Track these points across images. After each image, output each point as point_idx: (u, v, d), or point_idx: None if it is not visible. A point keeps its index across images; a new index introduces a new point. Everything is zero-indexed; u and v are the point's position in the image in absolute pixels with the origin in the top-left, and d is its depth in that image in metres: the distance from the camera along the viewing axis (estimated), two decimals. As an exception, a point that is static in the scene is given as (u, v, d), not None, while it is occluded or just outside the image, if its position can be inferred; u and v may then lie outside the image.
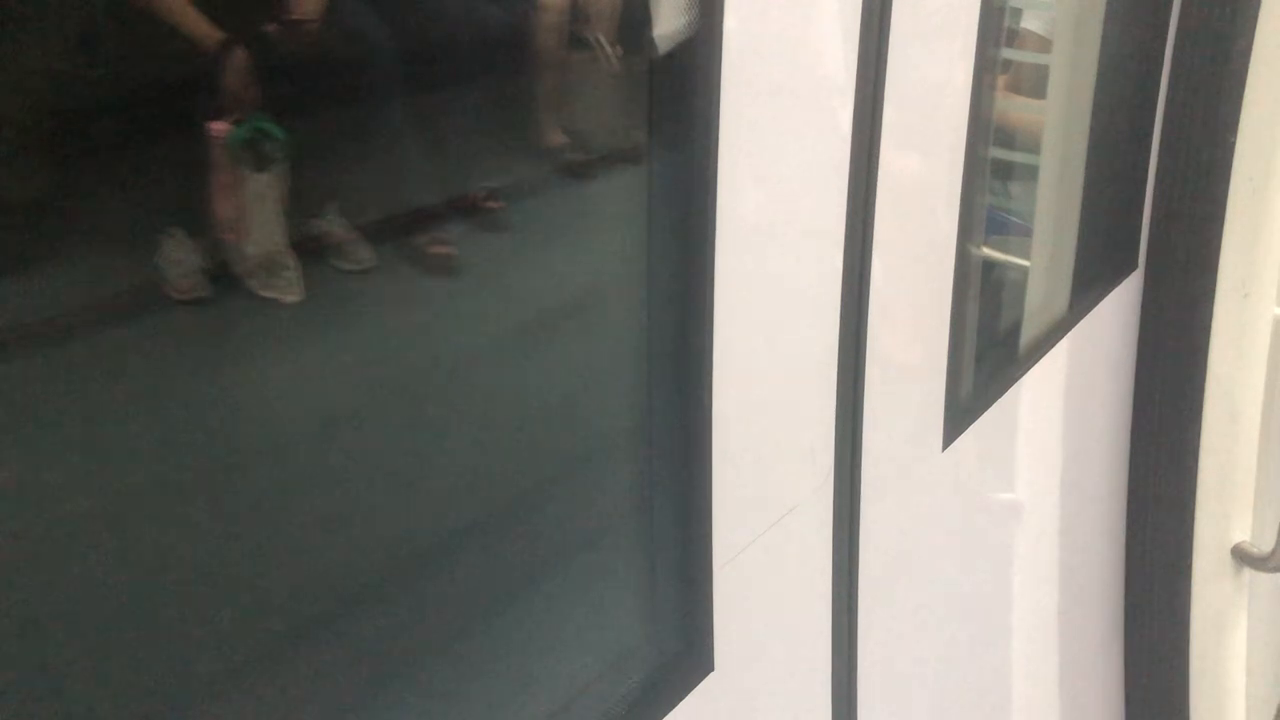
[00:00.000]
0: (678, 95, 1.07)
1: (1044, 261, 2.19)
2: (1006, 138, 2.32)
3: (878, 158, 1.29)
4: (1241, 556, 2.36)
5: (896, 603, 1.58)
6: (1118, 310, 2.24)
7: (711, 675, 1.20)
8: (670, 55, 1.06)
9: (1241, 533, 2.36)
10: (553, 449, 1.18)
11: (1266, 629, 2.79)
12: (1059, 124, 2.19)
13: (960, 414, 1.64)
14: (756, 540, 1.25)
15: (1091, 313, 2.12)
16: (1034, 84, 2.43)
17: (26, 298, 0.78)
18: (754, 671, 1.30)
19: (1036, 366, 1.92)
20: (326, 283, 0.98)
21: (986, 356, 1.85)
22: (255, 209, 0.91)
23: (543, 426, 1.17)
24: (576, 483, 1.21)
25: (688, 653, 1.20)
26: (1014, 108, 2.43)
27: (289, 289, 0.93)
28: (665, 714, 1.16)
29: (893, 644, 1.58)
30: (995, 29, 1.53)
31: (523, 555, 1.13)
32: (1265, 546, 2.33)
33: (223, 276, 0.91)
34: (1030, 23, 2.52)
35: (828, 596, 1.40)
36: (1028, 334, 2.04)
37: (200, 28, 0.90)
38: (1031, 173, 2.23)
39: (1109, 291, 2.18)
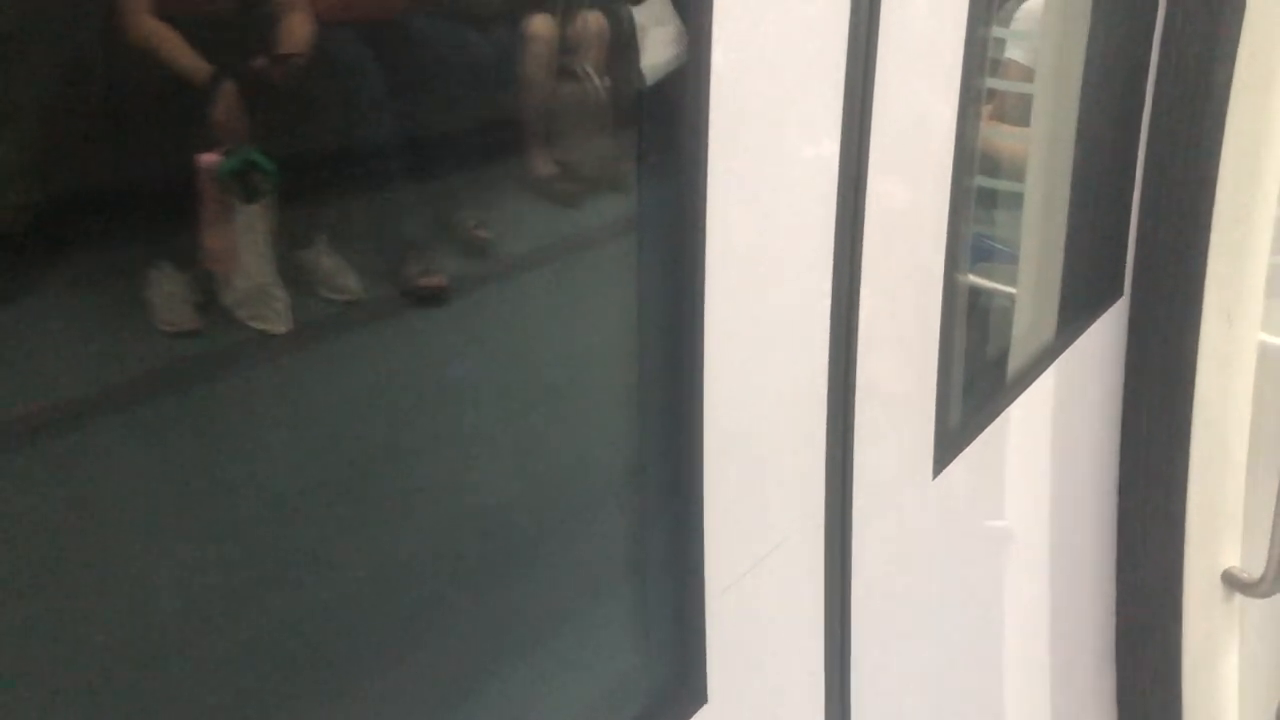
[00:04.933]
0: (666, 126, 1.08)
1: (1030, 289, 2.20)
2: (992, 166, 2.34)
3: (865, 187, 1.30)
4: (1232, 582, 2.36)
5: (889, 631, 1.57)
6: (1104, 337, 2.25)
7: (705, 707, 1.20)
8: (659, 86, 1.07)
9: (1231, 558, 2.36)
10: (544, 483, 1.18)
11: (1258, 655, 2.78)
12: (1043, 152, 2.21)
13: (950, 442, 1.64)
14: (749, 571, 1.25)
15: (1078, 340, 2.13)
16: (1018, 112, 2.45)
17: (12, 327, 0.78)
18: (748, 702, 1.29)
19: (1025, 394, 1.93)
20: (315, 313, 0.97)
21: (975, 384, 1.85)
22: (244, 240, 0.91)
23: (534, 460, 1.17)
24: (568, 517, 1.21)
25: (681, 685, 1.19)
26: (999, 136, 2.45)
27: (278, 320, 0.93)
28: (659, 746, 1.15)
29: (886, 672, 1.57)
30: (979, 59, 1.55)
31: (516, 589, 1.12)
32: (1255, 572, 2.33)
33: (211, 308, 0.90)
34: (1014, 52, 2.54)
35: (820, 626, 1.40)
36: (1015, 361, 2.04)
37: (189, 60, 0.90)
38: (1017, 201, 2.25)
39: (1095, 318, 2.19)
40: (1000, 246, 2.34)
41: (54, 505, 0.80)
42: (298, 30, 0.97)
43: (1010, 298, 2.18)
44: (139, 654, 0.84)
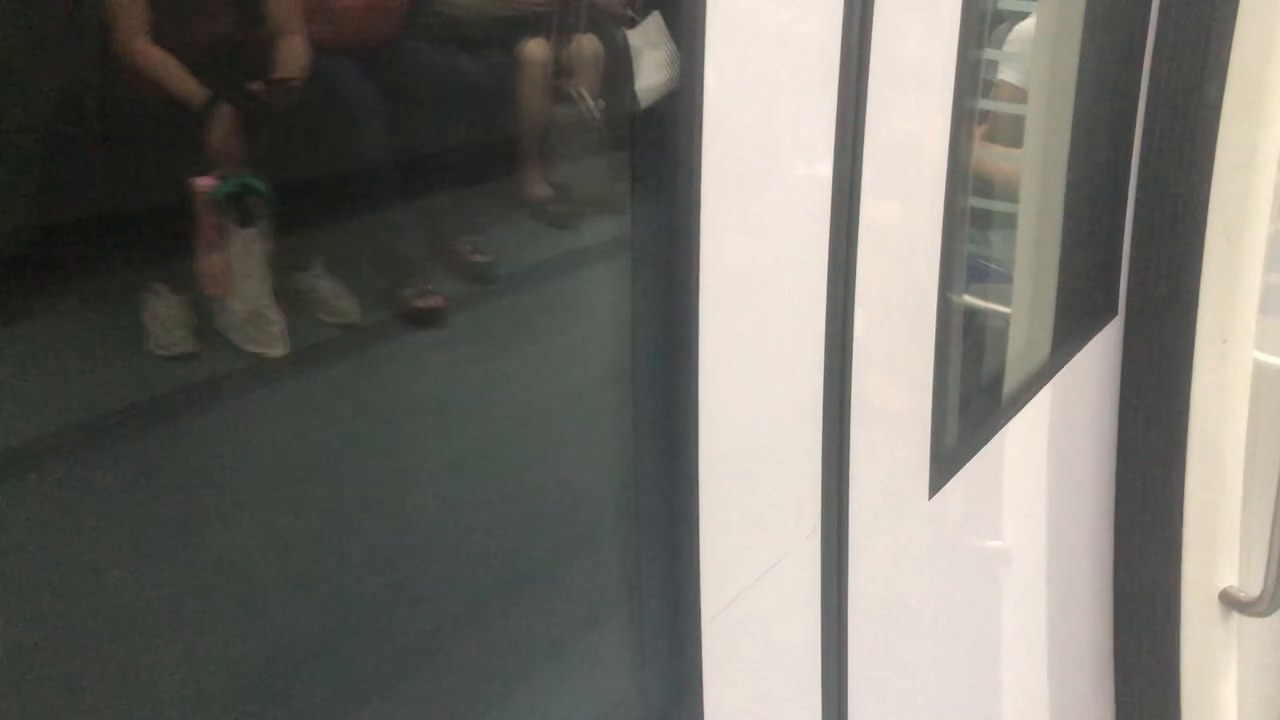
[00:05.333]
0: (660, 148, 1.08)
1: (1025, 309, 2.21)
2: (986, 187, 2.35)
3: (858, 207, 1.30)
4: (1229, 601, 2.35)
5: (886, 650, 1.56)
6: (1099, 356, 2.25)
7: (702, 729, 1.19)
8: (652, 109, 1.07)
9: (1229, 577, 2.36)
10: (539, 507, 1.18)
11: (1256, 674, 2.78)
12: (1037, 173, 2.22)
13: (946, 462, 1.64)
14: (745, 593, 1.24)
15: (1073, 359, 2.13)
16: (1011, 134, 2.46)
17: (7, 349, 0.78)
18: (744, 725, 1.29)
19: (1020, 413, 1.93)
20: (312, 336, 0.98)
21: (970, 404, 1.85)
22: (240, 264, 0.92)
23: (529, 482, 1.17)
24: (563, 540, 1.20)
25: (678, 708, 1.19)
26: (992, 157, 2.46)
27: (274, 343, 0.93)
28: (656, 769, 1.14)
29: (883, 691, 1.57)
30: (972, 80, 1.55)
31: (511, 615, 1.12)
32: (1253, 591, 2.33)
33: (207, 331, 0.91)
34: (1007, 74, 2.55)
35: (817, 646, 1.39)
36: (1011, 381, 2.05)
37: (185, 85, 0.91)
38: (1011, 221, 2.25)
39: (1090, 338, 2.20)
40: (995, 267, 2.34)
41: (48, 527, 0.80)
42: (294, 55, 0.98)
43: (1005, 318, 2.18)
44: (136, 667, 0.84)
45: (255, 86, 0.96)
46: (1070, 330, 2.18)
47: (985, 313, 2.18)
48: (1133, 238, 2.24)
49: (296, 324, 0.95)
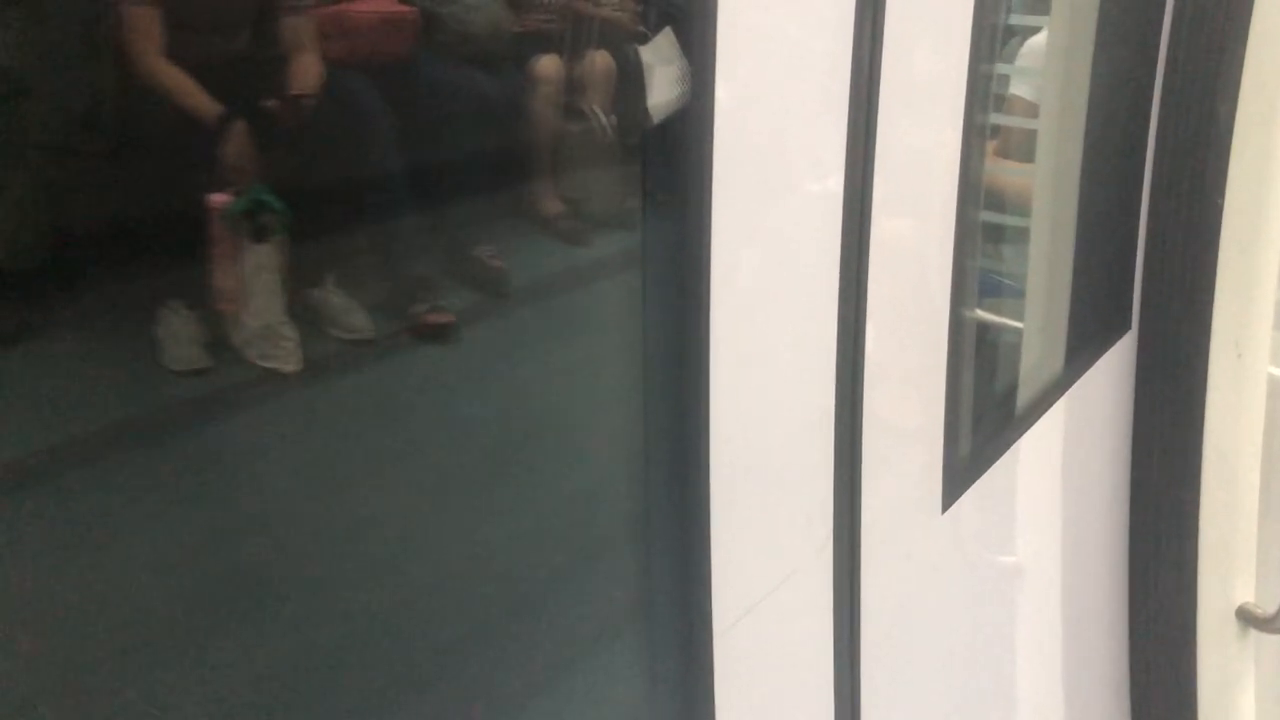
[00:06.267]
0: (671, 163, 1.08)
1: (1038, 323, 2.20)
2: (998, 202, 2.34)
3: (869, 222, 1.31)
4: (1246, 618, 2.34)
5: (899, 665, 1.56)
6: (1113, 371, 2.24)
7: (714, 744, 1.19)
8: (664, 124, 1.08)
9: (1246, 594, 2.34)
10: (551, 519, 1.18)
11: (1274, 690, 2.76)
12: (1049, 187, 2.21)
13: (959, 476, 1.63)
14: (757, 607, 1.24)
15: (1087, 374, 2.12)
16: (1024, 148, 2.46)
17: (22, 364, 0.78)
18: (757, 740, 1.28)
19: (1034, 428, 1.92)
20: (325, 352, 0.98)
21: (984, 419, 1.85)
22: (254, 280, 0.92)
23: (540, 496, 1.17)
24: (574, 555, 1.21)
25: (689, 721, 1.19)
26: (1005, 172, 2.46)
27: (288, 359, 0.94)
28: (668, 784, 1.14)
29: (896, 707, 1.56)
30: (983, 94, 1.56)
31: (524, 627, 1.12)
32: (1270, 607, 2.31)
33: (221, 347, 0.91)
34: (1019, 88, 2.55)
35: (829, 660, 1.39)
36: (1024, 396, 2.04)
37: (199, 101, 0.91)
38: (1024, 236, 2.25)
39: (1103, 352, 2.19)
40: (1008, 281, 2.34)
41: (58, 540, 0.80)
42: (308, 71, 0.99)
43: (1018, 332, 2.18)
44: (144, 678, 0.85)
45: (270, 103, 0.96)
46: (1083, 345, 2.18)
47: (998, 327, 2.17)
48: (1146, 252, 2.24)
49: (310, 339, 0.96)
